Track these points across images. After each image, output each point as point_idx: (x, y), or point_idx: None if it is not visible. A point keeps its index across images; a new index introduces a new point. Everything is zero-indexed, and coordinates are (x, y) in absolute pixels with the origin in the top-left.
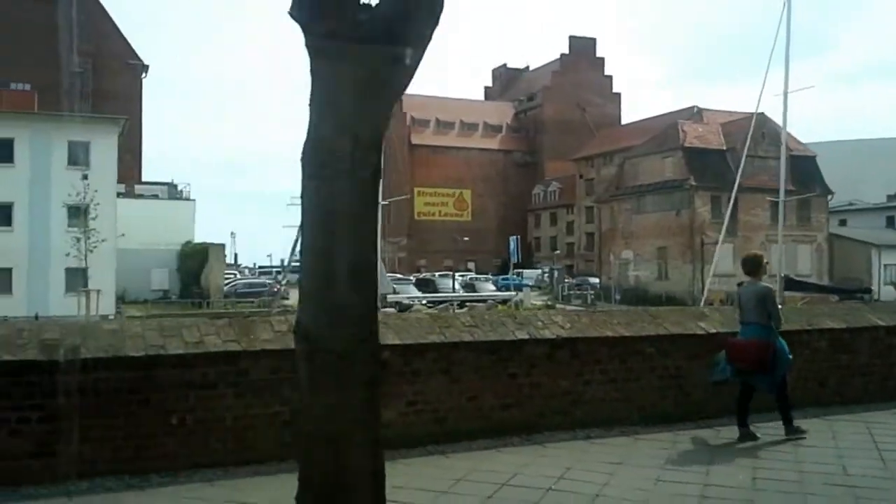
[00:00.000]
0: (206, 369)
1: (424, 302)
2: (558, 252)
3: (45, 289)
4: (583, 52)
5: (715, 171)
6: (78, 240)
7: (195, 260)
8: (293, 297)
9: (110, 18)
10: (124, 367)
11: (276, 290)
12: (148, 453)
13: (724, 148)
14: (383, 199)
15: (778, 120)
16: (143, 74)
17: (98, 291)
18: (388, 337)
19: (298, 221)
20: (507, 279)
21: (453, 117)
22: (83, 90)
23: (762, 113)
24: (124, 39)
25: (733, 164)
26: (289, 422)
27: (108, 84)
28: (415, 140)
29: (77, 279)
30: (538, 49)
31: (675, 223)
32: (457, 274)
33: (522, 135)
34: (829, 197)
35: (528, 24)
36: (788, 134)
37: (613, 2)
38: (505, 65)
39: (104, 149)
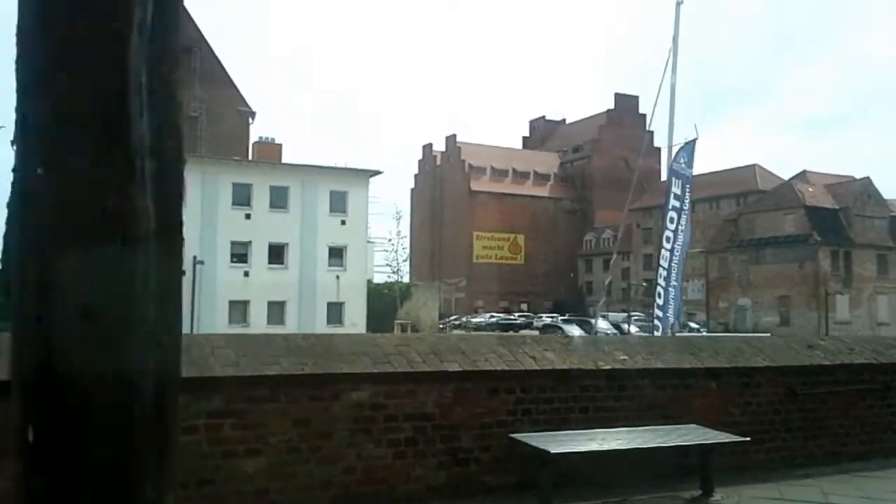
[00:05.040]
0: None
1: None
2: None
3: (312, 320)
4: (626, 108)
5: (831, 228)
6: (338, 277)
7: (386, 296)
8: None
9: (222, 67)
10: None
11: None
12: None
13: (837, 207)
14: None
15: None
16: (251, 120)
17: (409, 324)
18: None
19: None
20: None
21: (506, 165)
22: (199, 134)
23: (867, 177)
24: (235, 87)
25: (845, 221)
26: None
27: (219, 129)
28: (474, 187)
29: (335, 312)
30: (561, 102)
31: (797, 274)
32: (545, 315)
33: (569, 184)
34: None
35: (554, 79)
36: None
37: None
38: (543, 117)
39: (358, 197)
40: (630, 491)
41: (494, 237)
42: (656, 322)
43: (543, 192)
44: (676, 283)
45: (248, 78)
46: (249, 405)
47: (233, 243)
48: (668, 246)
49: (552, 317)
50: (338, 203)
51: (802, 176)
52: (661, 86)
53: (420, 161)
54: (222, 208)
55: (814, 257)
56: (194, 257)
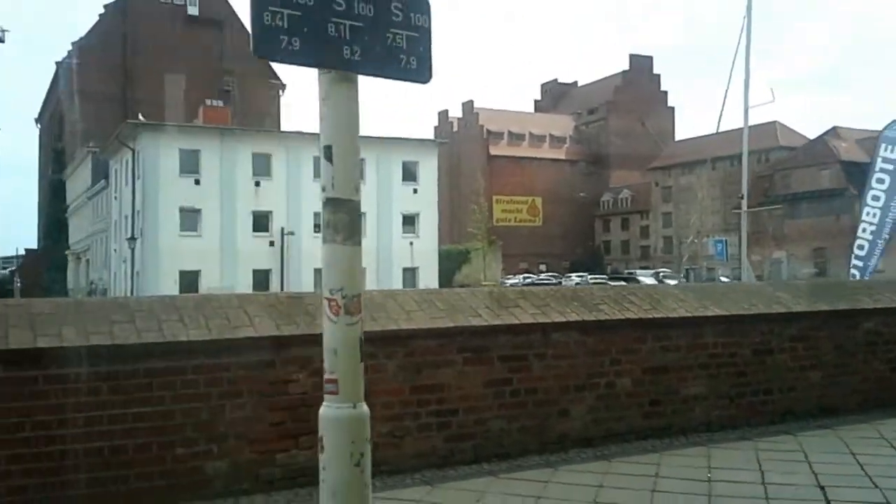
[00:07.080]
0: None
1: None
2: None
3: (389, 285)
4: (642, 68)
5: (866, 181)
6: (411, 244)
7: (450, 259)
8: None
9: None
10: None
11: None
12: None
13: (869, 160)
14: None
15: None
16: (281, 93)
17: (492, 284)
18: None
19: None
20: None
21: (523, 129)
22: (233, 108)
23: None
24: (266, 61)
25: None
26: None
27: (251, 101)
28: (492, 151)
29: (410, 277)
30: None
31: (834, 226)
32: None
33: (584, 146)
34: None
35: (562, 43)
36: None
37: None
38: (556, 80)
39: (428, 166)
40: None
41: (513, 200)
42: (854, 272)
43: (560, 154)
44: (886, 237)
45: None
46: (810, 332)
47: (315, 214)
48: (878, 204)
49: (581, 276)
50: (409, 172)
51: (833, 132)
52: (738, 44)
53: (436, 127)
54: (305, 181)
55: (850, 210)
56: (282, 228)
